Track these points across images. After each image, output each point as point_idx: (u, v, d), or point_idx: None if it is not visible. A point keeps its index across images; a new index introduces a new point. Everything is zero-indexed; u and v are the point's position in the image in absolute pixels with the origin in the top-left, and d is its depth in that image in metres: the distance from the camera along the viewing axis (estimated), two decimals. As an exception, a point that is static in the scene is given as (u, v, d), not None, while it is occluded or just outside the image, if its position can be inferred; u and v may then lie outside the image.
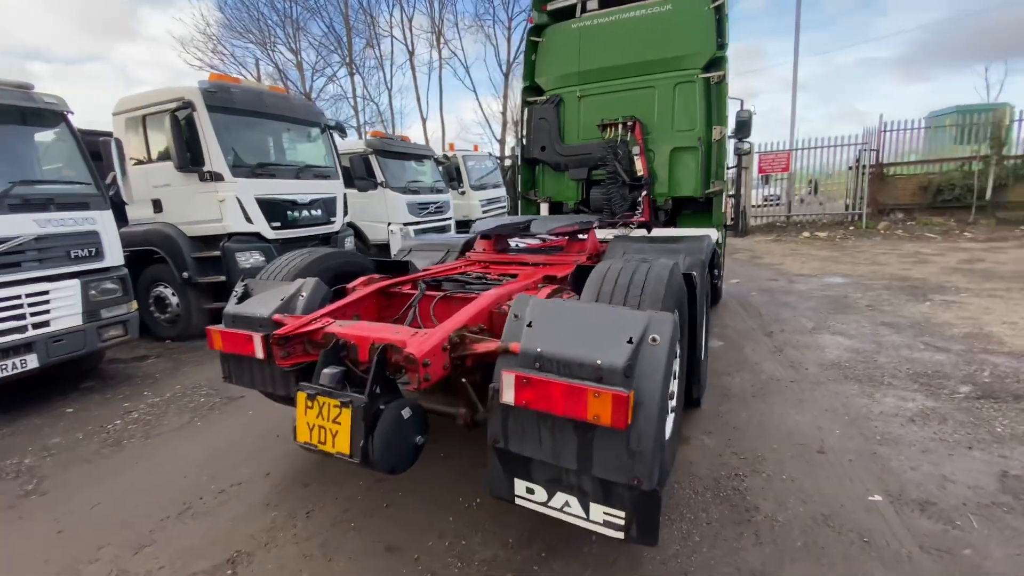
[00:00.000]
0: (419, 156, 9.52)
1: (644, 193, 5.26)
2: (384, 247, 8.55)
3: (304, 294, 2.43)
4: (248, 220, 5.57)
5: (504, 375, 1.66)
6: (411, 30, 20.95)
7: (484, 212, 11.50)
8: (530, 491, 1.83)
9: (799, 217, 13.49)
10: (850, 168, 12.38)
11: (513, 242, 3.96)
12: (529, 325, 1.77)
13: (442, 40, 20.93)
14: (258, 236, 5.71)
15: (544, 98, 5.78)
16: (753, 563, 1.96)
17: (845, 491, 2.37)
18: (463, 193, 11.12)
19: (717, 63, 5.01)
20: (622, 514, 1.68)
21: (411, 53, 21.13)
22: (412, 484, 2.54)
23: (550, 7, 5.72)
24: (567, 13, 5.69)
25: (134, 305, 4.44)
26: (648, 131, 5.27)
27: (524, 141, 5.98)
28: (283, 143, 6.50)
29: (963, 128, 12.92)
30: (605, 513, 1.71)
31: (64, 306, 3.85)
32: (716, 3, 4.92)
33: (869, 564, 1.93)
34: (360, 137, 13.95)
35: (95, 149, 4.42)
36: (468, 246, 3.84)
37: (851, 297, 6.15)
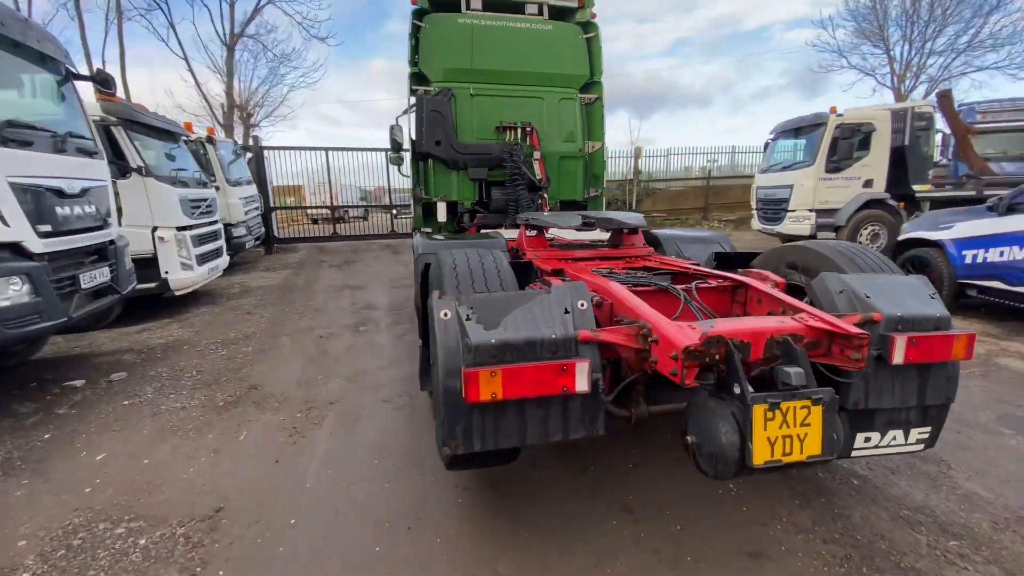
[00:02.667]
0: (172, 134, 6.87)
1: (544, 196, 5.67)
2: (147, 262, 5.87)
3: (583, 301, 1.91)
4: (3, 222, 3.09)
5: (897, 339, 1.95)
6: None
7: (247, 214, 9.22)
8: (867, 440, 2.17)
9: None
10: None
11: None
12: (867, 296, 2.10)
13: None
14: (16, 249, 3.23)
15: (434, 89, 5.39)
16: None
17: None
18: (218, 189, 8.55)
19: (591, 87, 5.88)
20: (928, 429, 2.23)
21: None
22: (664, 496, 2.34)
23: None
24: (451, 4, 5.46)
25: None
26: (540, 137, 5.69)
27: (414, 133, 5.40)
28: (17, 93, 3.75)
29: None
30: (919, 433, 2.23)
31: None
32: (587, 36, 5.77)
33: None
34: None
35: None
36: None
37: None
